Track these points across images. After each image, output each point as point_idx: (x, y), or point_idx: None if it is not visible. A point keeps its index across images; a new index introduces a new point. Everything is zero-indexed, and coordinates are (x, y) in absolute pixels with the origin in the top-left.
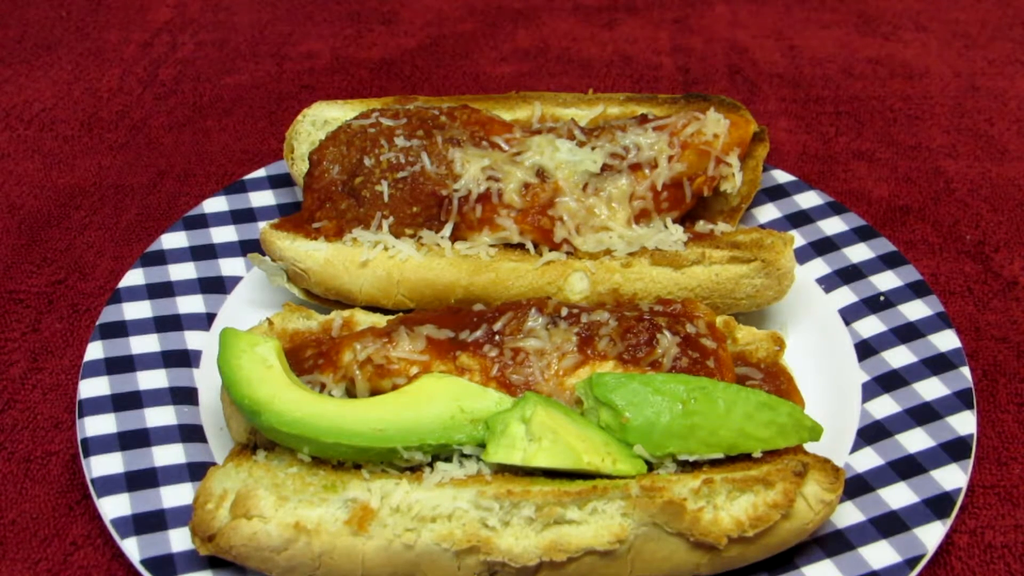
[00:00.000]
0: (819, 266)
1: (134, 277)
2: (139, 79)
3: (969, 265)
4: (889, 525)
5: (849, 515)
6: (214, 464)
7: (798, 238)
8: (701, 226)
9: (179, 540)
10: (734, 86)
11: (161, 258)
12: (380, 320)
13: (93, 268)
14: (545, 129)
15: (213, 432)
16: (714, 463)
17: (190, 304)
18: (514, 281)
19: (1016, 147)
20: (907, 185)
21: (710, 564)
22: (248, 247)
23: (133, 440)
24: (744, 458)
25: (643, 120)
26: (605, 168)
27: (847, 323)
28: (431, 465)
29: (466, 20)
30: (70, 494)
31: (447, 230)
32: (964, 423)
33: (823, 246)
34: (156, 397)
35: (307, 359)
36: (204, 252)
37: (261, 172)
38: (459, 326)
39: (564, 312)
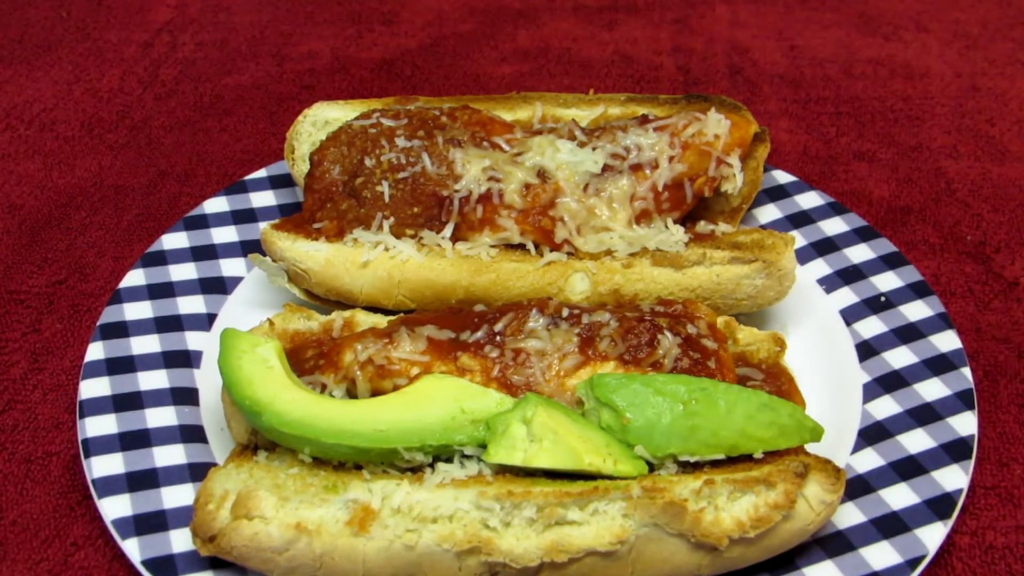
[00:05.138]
0: (820, 267)
1: (135, 277)
2: (139, 79)
3: (970, 266)
4: (890, 526)
5: (850, 516)
6: (215, 465)
7: (799, 239)
8: (702, 227)
9: (180, 541)
10: (735, 86)
11: (162, 258)
12: (381, 321)
13: (93, 268)
14: (546, 129)
15: (214, 433)
16: (715, 464)
17: (191, 304)
18: (515, 282)
19: (1017, 147)
20: (908, 186)
21: (711, 565)
22: (249, 247)
23: (134, 441)
24: (745, 459)
25: (644, 120)
26: (606, 168)
27: (848, 324)
28: (432, 466)
29: (466, 20)
30: (71, 495)
31: (448, 230)
32: (965, 424)
33: (824, 247)
34: (157, 398)
35: (308, 360)
36: (205, 252)
37: (262, 172)
38: (460, 327)
39: (565, 313)
